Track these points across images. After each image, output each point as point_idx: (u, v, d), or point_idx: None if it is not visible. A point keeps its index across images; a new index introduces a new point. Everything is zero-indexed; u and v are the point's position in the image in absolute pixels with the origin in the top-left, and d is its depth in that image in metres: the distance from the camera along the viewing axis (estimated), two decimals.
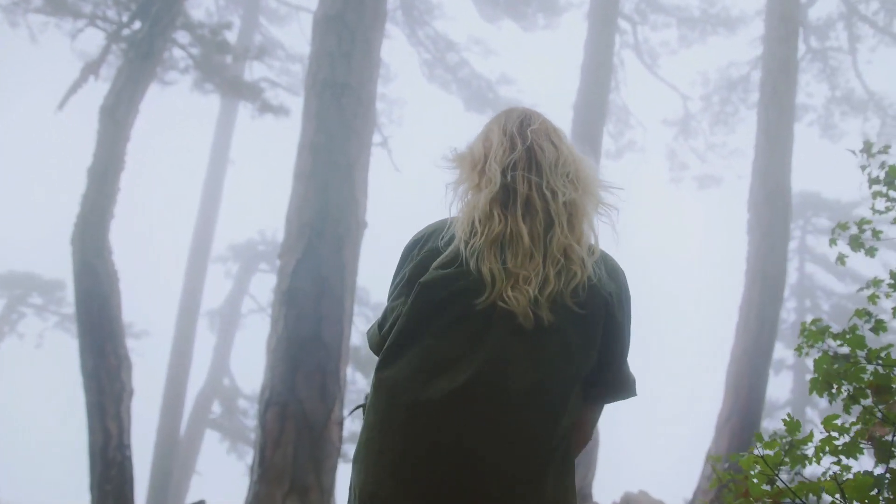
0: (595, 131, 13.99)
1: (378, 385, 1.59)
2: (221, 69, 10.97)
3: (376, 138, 17.04)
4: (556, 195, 1.61)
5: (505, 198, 1.61)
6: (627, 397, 1.73)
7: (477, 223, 1.58)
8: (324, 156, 9.09)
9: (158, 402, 16.96)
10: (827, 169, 21.05)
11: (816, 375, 2.95)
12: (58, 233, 8.95)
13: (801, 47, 15.54)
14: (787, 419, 2.54)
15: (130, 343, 23.23)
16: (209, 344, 19.83)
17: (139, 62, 8.58)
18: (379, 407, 1.56)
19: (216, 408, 19.76)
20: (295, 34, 25.81)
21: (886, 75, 18.20)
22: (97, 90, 9.29)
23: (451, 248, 1.58)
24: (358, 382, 22.10)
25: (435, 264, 1.58)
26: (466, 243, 1.57)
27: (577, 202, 1.63)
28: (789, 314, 20.63)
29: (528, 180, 1.62)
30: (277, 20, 24.24)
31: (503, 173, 1.62)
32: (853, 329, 3.01)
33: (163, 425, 16.98)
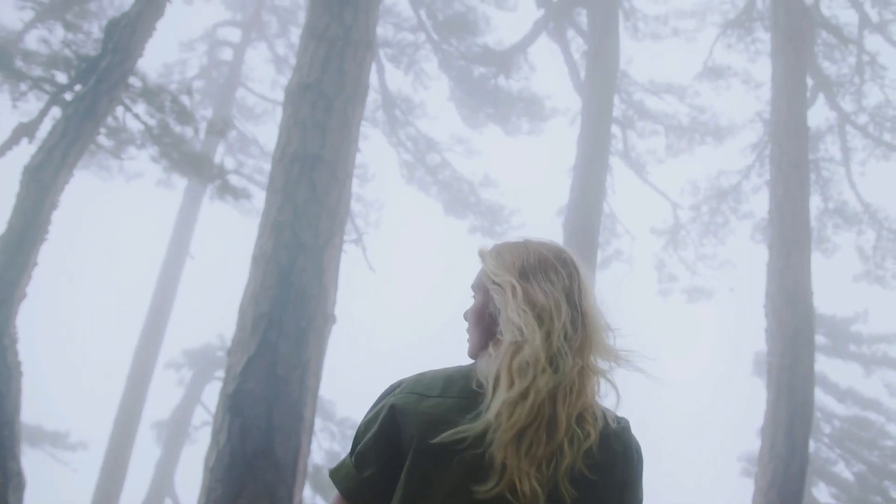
0: (590, 237, 13.01)
1: None
2: (180, 143, 9.84)
3: (350, 233, 15.90)
4: (582, 366, 1.51)
5: (540, 377, 1.46)
6: None
7: (508, 415, 1.41)
8: (288, 235, 7.80)
9: None
10: (821, 284, 20.25)
11: None
12: None
13: None
14: None
15: (66, 456, 20.88)
16: (152, 459, 17.68)
17: (78, 120, 7.40)
18: None
19: None
20: (272, 133, 25.19)
21: (880, 187, 17.74)
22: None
23: (474, 424, 1.41)
24: None
25: (449, 434, 1.41)
26: (491, 426, 1.41)
27: (592, 367, 1.53)
28: None
29: (563, 358, 1.48)
30: (254, 118, 23.64)
31: (549, 359, 1.46)
32: None
33: None
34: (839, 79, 17.14)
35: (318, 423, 19.14)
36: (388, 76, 19.79)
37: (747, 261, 19.51)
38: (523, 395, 1.41)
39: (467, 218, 20.73)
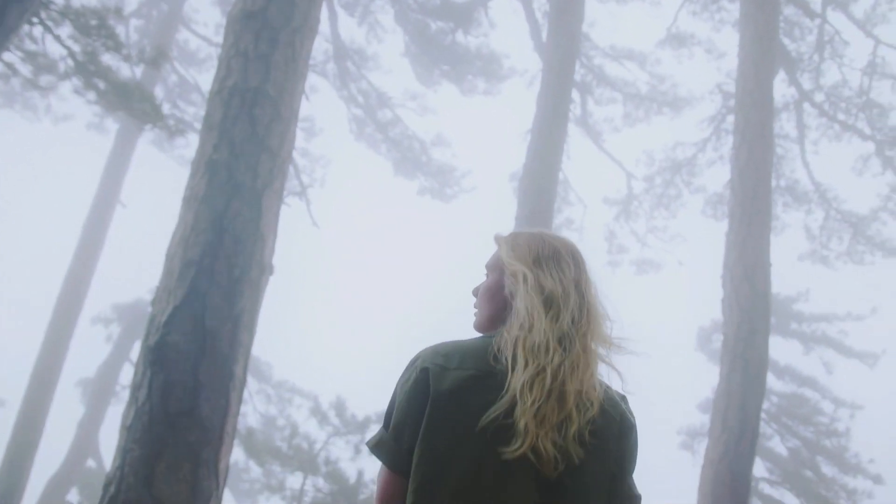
0: (545, 202, 12.53)
1: None
2: (108, 73, 8.91)
3: (294, 185, 15.10)
4: (586, 347, 1.66)
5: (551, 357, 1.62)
6: None
7: (529, 392, 1.58)
8: (223, 176, 7.06)
9: None
10: None
11: None
12: None
13: None
14: None
15: None
16: (74, 417, 16.71)
17: None
18: None
19: (75, 497, 16.44)
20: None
21: (831, 168, 17.79)
22: None
23: (502, 402, 1.58)
24: (252, 470, 19.20)
25: (486, 418, 1.57)
26: (515, 401, 1.57)
27: (595, 350, 1.69)
28: None
29: (571, 339, 1.65)
30: (196, 63, 22.36)
31: (559, 340, 1.64)
32: None
33: None
34: (798, 56, 17.01)
35: (254, 384, 18.39)
36: (341, 24, 18.86)
37: (697, 236, 19.48)
38: (540, 373, 1.57)
39: (417, 178, 20.08)
